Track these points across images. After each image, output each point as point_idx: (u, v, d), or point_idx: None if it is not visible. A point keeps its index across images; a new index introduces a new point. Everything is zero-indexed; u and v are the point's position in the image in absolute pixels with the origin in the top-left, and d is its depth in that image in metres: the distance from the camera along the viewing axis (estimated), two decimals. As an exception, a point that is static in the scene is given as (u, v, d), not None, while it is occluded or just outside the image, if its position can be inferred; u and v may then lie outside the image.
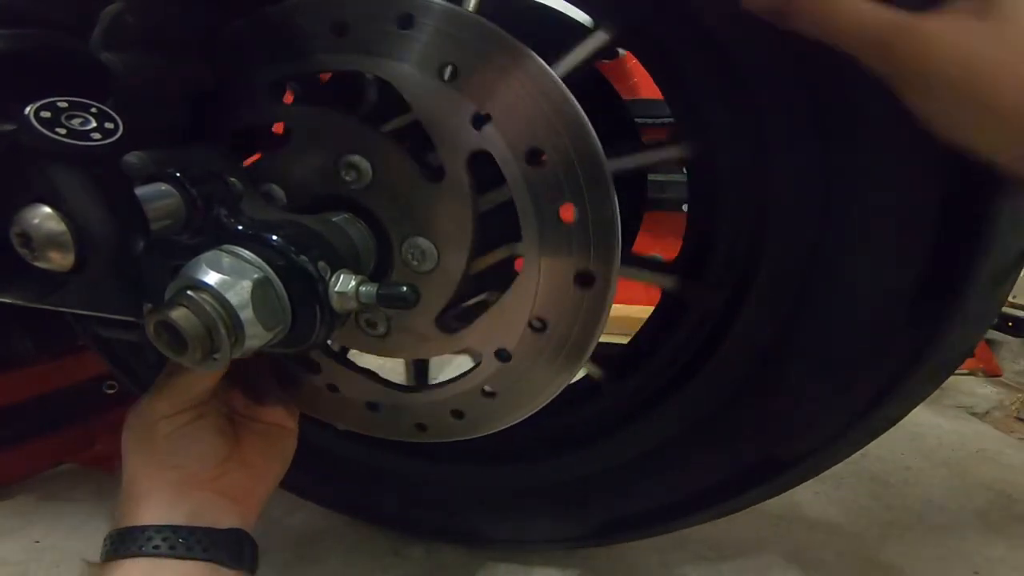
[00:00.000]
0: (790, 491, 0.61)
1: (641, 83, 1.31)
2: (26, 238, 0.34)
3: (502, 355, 0.51)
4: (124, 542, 0.47)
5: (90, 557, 0.78)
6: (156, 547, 0.47)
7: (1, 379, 0.90)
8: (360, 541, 0.82)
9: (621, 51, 1.30)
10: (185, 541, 0.48)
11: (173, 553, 0.47)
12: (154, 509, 0.49)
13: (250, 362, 0.56)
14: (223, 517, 0.51)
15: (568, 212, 0.45)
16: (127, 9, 0.42)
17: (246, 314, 0.39)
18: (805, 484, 0.60)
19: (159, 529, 0.48)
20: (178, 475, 0.51)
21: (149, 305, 0.41)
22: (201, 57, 0.47)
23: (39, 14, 0.44)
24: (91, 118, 0.35)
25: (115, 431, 0.99)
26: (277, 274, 0.41)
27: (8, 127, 0.33)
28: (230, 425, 0.55)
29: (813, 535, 0.86)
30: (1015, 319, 1.26)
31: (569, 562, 0.79)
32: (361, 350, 0.57)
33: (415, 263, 0.50)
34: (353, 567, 0.78)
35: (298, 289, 0.41)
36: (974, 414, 1.32)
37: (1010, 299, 1.35)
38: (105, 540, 0.49)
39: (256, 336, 0.40)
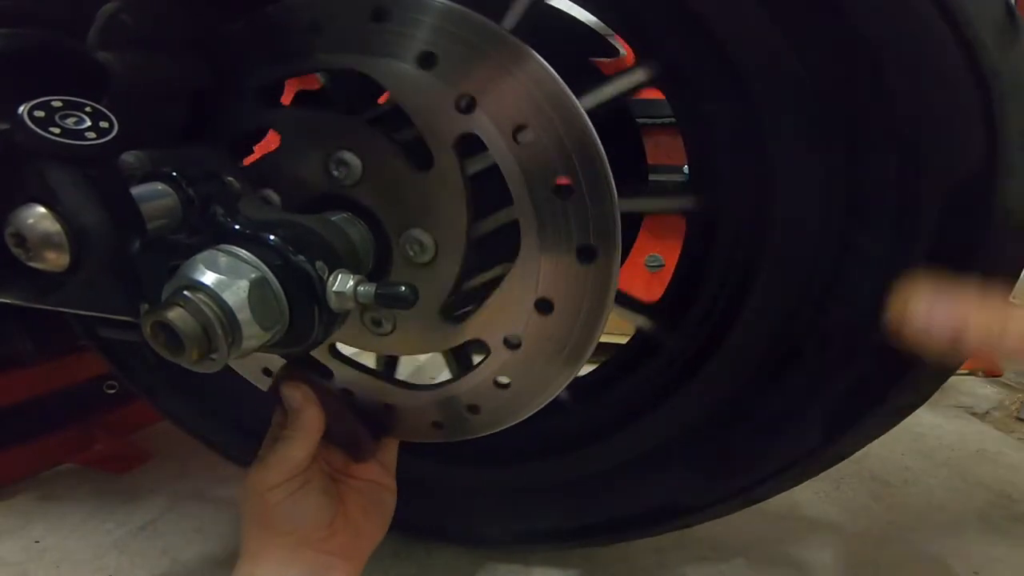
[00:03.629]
0: (790, 491, 0.61)
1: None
2: (21, 238, 0.34)
3: (511, 343, 0.50)
4: None
5: (91, 557, 0.79)
6: None
7: (1, 379, 0.90)
8: (359, 541, 0.82)
9: (622, 51, 1.29)
10: None
11: None
12: (271, 567, 0.52)
13: (338, 411, 0.57)
14: (331, 574, 0.54)
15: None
16: (123, 8, 0.42)
17: (243, 314, 0.39)
18: (805, 484, 0.60)
19: None
20: (292, 539, 0.53)
21: (146, 305, 0.41)
22: (198, 56, 0.47)
23: (35, 13, 0.44)
24: (85, 117, 0.35)
25: (115, 431, 1.01)
26: (274, 274, 0.40)
27: (2, 127, 0.33)
28: (333, 485, 0.57)
29: (813, 535, 0.86)
30: (1016, 319, 1.26)
31: (569, 562, 0.79)
32: (368, 350, 0.57)
33: (413, 255, 0.50)
34: (352, 567, 0.78)
35: (296, 289, 0.41)
36: (974, 414, 1.32)
37: (1010, 299, 1.35)
38: None
39: (253, 336, 0.40)
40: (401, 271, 0.51)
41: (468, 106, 0.44)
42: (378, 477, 0.61)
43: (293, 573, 0.52)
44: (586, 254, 0.45)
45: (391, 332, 0.54)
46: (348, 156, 0.48)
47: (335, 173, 0.49)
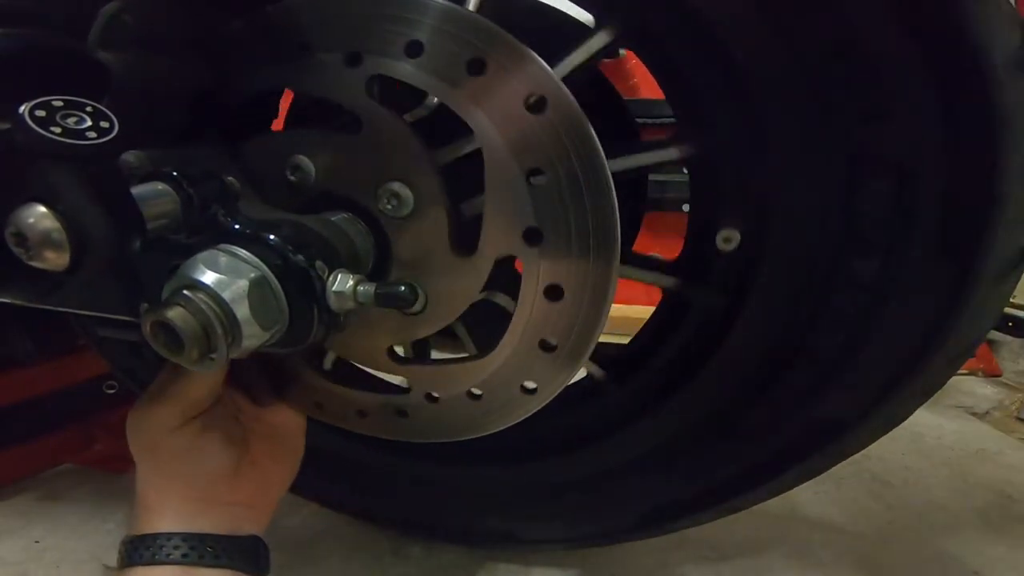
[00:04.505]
0: (790, 491, 0.61)
1: (641, 83, 1.31)
2: (21, 237, 0.34)
3: (532, 237, 0.44)
4: (141, 549, 0.47)
5: (91, 557, 0.79)
6: (180, 554, 0.47)
7: (1, 379, 0.90)
8: (360, 541, 0.82)
9: (622, 51, 1.30)
10: (208, 549, 0.48)
11: (199, 561, 0.47)
12: (171, 518, 0.49)
13: (246, 370, 0.55)
14: (240, 524, 0.51)
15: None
16: (125, 8, 0.42)
17: (243, 314, 0.39)
18: (805, 484, 0.60)
19: (180, 536, 0.48)
20: (196, 490, 0.50)
21: (146, 305, 0.41)
22: (199, 56, 0.47)
23: (36, 13, 0.44)
24: (86, 117, 0.35)
25: (115, 431, 1.01)
26: (274, 273, 0.40)
27: (3, 126, 0.33)
28: (239, 429, 0.55)
29: (813, 535, 0.86)
30: (1015, 319, 1.25)
31: (569, 562, 0.79)
32: (409, 340, 0.54)
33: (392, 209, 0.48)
34: (353, 567, 0.78)
35: (295, 289, 0.41)
36: (974, 414, 1.32)
37: (1010, 299, 1.34)
38: (120, 546, 0.48)
39: (253, 336, 0.40)
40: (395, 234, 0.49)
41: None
42: (288, 419, 0.58)
43: (197, 522, 0.49)
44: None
45: (423, 308, 0.50)
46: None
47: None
